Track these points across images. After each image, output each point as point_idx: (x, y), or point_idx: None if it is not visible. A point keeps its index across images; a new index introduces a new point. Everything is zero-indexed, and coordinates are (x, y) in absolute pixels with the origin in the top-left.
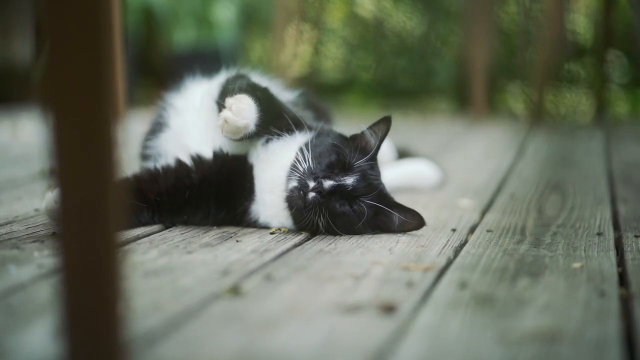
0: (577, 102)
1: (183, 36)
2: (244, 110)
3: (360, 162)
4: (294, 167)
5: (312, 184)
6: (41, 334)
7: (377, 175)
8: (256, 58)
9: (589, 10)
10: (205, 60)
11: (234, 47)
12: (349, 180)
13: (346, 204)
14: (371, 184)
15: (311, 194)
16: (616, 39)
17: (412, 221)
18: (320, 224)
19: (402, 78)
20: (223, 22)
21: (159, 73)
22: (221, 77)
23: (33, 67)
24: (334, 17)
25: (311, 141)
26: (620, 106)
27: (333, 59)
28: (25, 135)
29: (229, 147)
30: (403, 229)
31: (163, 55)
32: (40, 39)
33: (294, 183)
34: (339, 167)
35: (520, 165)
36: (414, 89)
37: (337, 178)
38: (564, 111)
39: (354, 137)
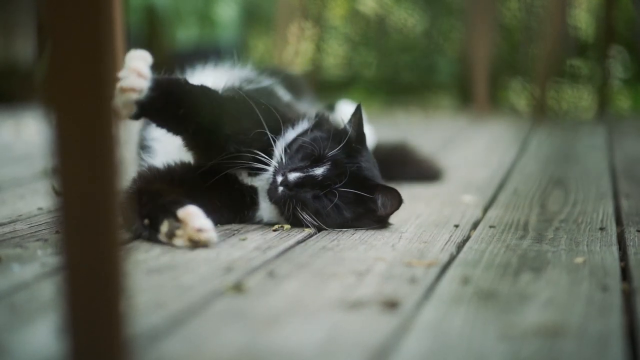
0: (579, 97)
1: (185, 34)
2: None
3: (334, 152)
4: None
5: (279, 179)
6: (44, 332)
7: (358, 162)
8: (258, 56)
9: (590, 6)
10: (207, 59)
11: (236, 45)
12: (319, 170)
13: (322, 194)
14: (345, 171)
15: (280, 188)
16: (618, 35)
17: (393, 202)
18: (301, 217)
19: (404, 74)
20: (225, 20)
21: (161, 71)
22: None
23: (35, 66)
24: (336, 14)
25: (295, 139)
26: (622, 102)
27: (335, 56)
28: (28, 134)
29: None
30: (385, 211)
31: (165, 54)
32: (43, 38)
33: (270, 180)
34: (312, 159)
35: (523, 161)
36: (416, 86)
37: (304, 170)
38: (566, 107)
39: (336, 129)
